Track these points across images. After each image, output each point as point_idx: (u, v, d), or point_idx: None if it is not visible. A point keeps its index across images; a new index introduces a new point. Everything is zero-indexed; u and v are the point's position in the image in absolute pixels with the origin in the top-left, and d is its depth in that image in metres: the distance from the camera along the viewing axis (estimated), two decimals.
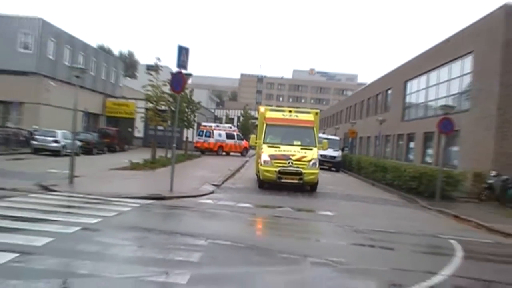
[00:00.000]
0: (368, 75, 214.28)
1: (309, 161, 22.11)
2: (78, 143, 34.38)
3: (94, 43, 69.48)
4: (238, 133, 56.73)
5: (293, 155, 22.09)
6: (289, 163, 21.82)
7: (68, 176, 18.75)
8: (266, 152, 22.50)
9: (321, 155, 38.08)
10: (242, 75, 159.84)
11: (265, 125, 24.25)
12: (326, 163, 39.92)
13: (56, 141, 35.21)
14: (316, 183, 22.92)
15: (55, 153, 34.52)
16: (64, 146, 35.09)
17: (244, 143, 54.48)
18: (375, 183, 31.47)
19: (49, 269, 7.58)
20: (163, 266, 8.22)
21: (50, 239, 9.38)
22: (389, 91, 47.63)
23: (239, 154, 52.93)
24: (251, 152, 51.61)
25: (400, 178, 26.60)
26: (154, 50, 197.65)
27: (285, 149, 22.48)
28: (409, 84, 41.24)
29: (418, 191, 24.09)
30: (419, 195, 23.64)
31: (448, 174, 23.73)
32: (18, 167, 24.91)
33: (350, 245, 12.10)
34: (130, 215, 13.22)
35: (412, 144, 38.56)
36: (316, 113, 25.72)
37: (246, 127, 78.23)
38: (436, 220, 17.94)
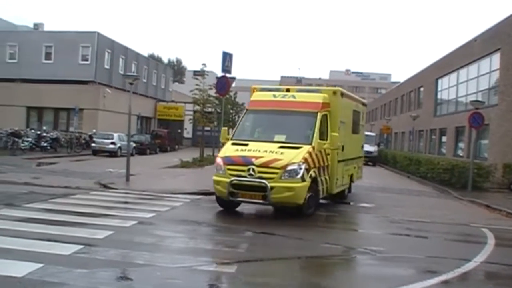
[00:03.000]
0: (400, 74, 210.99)
1: (284, 167, 12.29)
2: (133, 144, 35.00)
3: (145, 52, 70.28)
4: None
5: (258, 158, 12.50)
6: (249, 170, 12.39)
7: (124, 175, 19.14)
8: (222, 153, 13.61)
9: None
10: (282, 77, 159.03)
11: (244, 112, 15.89)
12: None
13: (113, 143, 35.93)
14: (307, 203, 12.87)
15: (112, 154, 35.23)
16: (120, 148, 35.76)
17: None
18: (409, 175, 31.13)
19: (110, 259, 7.79)
20: (213, 256, 8.33)
21: (110, 232, 9.62)
22: (421, 89, 46.86)
23: None
24: None
25: (433, 171, 26.27)
26: (200, 57, 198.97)
27: (253, 148, 12.98)
28: (440, 81, 40.49)
29: (451, 182, 23.75)
30: (452, 186, 23.28)
31: (479, 166, 23.37)
32: (80, 167, 25.54)
33: (387, 235, 12.01)
34: (181, 209, 13.40)
35: (444, 138, 37.86)
36: (334, 92, 15.03)
37: None
38: (468, 209, 17.62)
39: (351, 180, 18.01)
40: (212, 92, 30.31)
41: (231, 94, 39.17)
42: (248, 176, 12.31)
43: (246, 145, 13.21)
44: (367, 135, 38.88)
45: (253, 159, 12.43)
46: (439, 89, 40.96)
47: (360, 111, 18.74)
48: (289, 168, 12.33)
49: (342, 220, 14.19)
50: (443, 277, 7.96)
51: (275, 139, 13.44)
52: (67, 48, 44.62)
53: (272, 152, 12.64)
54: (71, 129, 42.17)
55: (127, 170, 18.98)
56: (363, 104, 19.75)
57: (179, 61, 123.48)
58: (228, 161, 12.83)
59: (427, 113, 41.94)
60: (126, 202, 13.97)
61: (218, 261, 8.03)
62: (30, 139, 33.93)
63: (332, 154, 14.50)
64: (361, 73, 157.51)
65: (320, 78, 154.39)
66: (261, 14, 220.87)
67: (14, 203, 12.45)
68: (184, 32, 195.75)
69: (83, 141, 39.11)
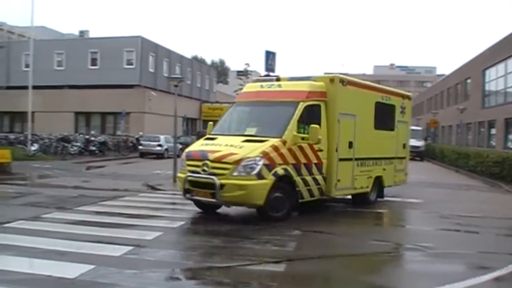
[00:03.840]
0: (446, 66, 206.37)
1: (236, 162, 11.00)
2: (179, 145, 35.42)
3: (188, 54, 70.93)
4: None
5: (214, 152, 11.46)
6: (203, 165, 11.35)
7: (171, 176, 19.33)
8: (188, 148, 12.96)
9: None
10: (325, 73, 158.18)
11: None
12: (410, 153, 38.98)
13: (159, 145, 36.40)
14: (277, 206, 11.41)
15: (159, 156, 35.65)
16: (166, 149, 36.17)
17: None
18: (458, 170, 30.43)
19: (159, 260, 7.87)
20: (261, 255, 8.31)
21: (159, 233, 9.72)
22: (468, 80, 45.75)
23: None
24: None
25: (482, 164, 25.60)
26: (243, 57, 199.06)
27: (217, 142, 11.98)
28: (487, 72, 39.41)
29: (501, 175, 23.03)
30: (502, 179, 22.58)
31: None
32: (128, 170, 25.98)
33: (437, 230, 11.71)
34: (228, 209, 13.45)
35: (493, 131, 36.85)
36: (331, 80, 13.08)
37: None
38: None
39: (381, 184, 15.30)
40: None
41: None
42: (201, 172, 11.33)
43: (215, 139, 12.31)
44: (413, 130, 38.29)
45: (209, 154, 11.44)
46: (486, 80, 39.89)
47: (395, 104, 15.90)
48: (243, 163, 10.96)
49: (391, 216, 14.02)
50: (496, 273, 7.74)
51: (246, 132, 12.28)
52: (112, 54, 45.53)
53: (233, 146, 11.47)
54: (118, 132, 43.00)
55: (174, 171, 19.17)
56: (404, 96, 16.74)
57: (222, 62, 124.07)
58: (188, 156, 12.08)
59: (475, 105, 40.92)
60: (173, 203, 14.09)
61: (267, 260, 7.99)
62: (79, 144, 34.68)
63: (330, 151, 12.79)
64: (406, 67, 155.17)
65: (364, 74, 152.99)
66: (304, 11, 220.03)
67: (65, 206, 12.75)
68: (227, 33, 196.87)
69: (130, 144, 39.75)
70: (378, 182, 15.04)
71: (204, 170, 11.27)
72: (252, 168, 10.95)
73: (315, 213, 13.41)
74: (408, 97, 17.17)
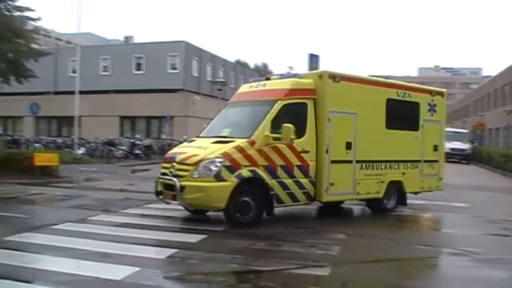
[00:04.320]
0: (492, 67, 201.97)
1: (196, 164, 10.75)
2: None
3: (232, 58, 71.34)
4: None
5: (182, 154, 11.54)
6: (171, 167, 11.38)
7: None
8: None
9: (450, 148, 36.35)
10: (369, 76, 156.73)
11: None
12: (456, 156, 38.19)
13: None
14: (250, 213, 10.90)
15: None
16: None
17: None
18: (506, 173, 29.59)
19: (204, 263, 7.88)
20: (306, 259, 8.22)
21: (204, 236, 9.72)
22: None
23: None
24: None
25: None
26: (286, 60, 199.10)
27: (192, 144, 12.09)
28: None
29: None
30: None
31: None
32: None
33: (483, 235, 11.38)
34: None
35: None
36: (320, 76, 12.38)
37: None
38: None
39: (402, 190, 13.88)
40: None
41: None
42: (169, 173, 11.30)
43: (193, 141, 12.39)
44: (458, 133, 37.47)
45: (177, 156, 11.47)
46: None
47: (419, 102, 14.35)
48: (202, 164, 10.65)
49: (435, 220, 13.75)
50: None
51: (221, 133, 11.99)
52: (156, 58, 46.17)
53: (201, 147, 11.32)
54: (162, 136, 43.49)
55: None
56: (432, 92, 14.96)
57: (265, 66, 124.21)
58: (164, 158, 12.35)
59: None
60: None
61: (311, 264, 7.91)
62: (124, 147, 35.17)
63: (319, 152, 11.94)
64: (451, 68, 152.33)
65: (408, 76, 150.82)
66: (348, 13, 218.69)
67: (111, 209, 12.92)
68: (270, 36, 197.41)
69: None
70: (396, 188, 13.72)
71: (170, 172, 11.25)
72: (211, 170, 10.59)
73: (358, 216, 13.21)
74: (440, 93, 15.27)
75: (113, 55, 48.57)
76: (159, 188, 11.57)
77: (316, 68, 23.72)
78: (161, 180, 11.52)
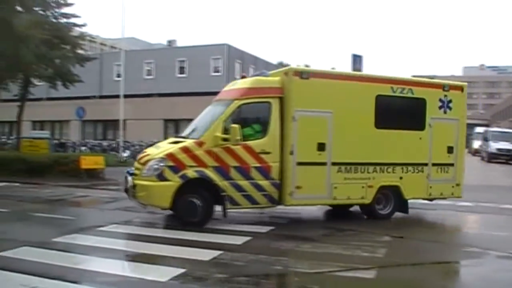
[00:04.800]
0: None
1: (145, 163, 11.07)
2: None
3: (274, 60, 71.28)
4: None
5: (143, 153, 12.20)
6: (135, 166, 11.83)
7: None
8: None
9: (497, 149, 35.37)
10: (412, 76, 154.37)
11: None
12: (502, 157, 37.19)
13: None
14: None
15: None
16: None
17: None
18: None
19: (248, 265, 7.83)
20: (351, 262, 8.09)
21: (248, 238, 9.71)
22: None
23: None
24: None
25: None
26: (329, 61, 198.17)
27: (159, 144, 12.72)
28: None
29: None
30: None
31: None
32: None
33: None
34: (319, 213, 13.24)
35: None
36: (286, 73, 11.84)
37: None
38: None
39: (401, 196, 12.62)
40: None
41: None
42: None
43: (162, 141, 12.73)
44: (505, 133, 36.42)
45: (140, 155, 11.95)
46: None
47: (425, 98, 12.90)
48: (148, 164, 10.87)
49: (481, 222, 13.46)
50: None
51: (184, 133, 12.29)
52: (199, 62, 46.56)
53: (158, 147, 11.69)
54: None
55: None
56: (445, 87, 13.27)
57: (307, 67, 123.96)
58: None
59: None
60: (262, 207, 14.03)
61: (356, 267, 7.77)
62: None
63: (283, 153, 11.45)
64: (497, 67, 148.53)
65: (453, 75, 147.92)
66: (391, 13, 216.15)
67: (156, 211, 12.98)
68: (313, 37, 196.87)
69: None
70: (393, 193, 12.60)
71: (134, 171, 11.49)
72: (154, 170, 10.70)
73: (401, 218, 12.93)
74: (457, 88, 13.52)
75: (156, 59, 49.23)
76: (127, 186, 11.61)
77: (359, 69, 23.38)
78: (130, 178, 11.47)
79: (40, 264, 7.47)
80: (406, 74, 14.25)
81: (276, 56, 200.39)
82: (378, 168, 12.25)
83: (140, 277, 6.93)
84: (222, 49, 46.96)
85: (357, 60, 23.19)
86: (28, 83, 29.83)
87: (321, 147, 11.63)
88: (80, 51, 31.76)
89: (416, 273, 7.96)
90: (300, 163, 11.45)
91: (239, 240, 9.44)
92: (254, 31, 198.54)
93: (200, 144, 10.94)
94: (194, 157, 10.82)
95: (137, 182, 10.95)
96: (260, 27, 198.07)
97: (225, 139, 10.92)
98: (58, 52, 28.77)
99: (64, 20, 29.66)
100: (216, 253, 8.36)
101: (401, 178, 12.51)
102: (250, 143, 11.18)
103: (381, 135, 12.28)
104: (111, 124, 45.86)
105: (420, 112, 12.85)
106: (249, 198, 11.24)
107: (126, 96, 33.63)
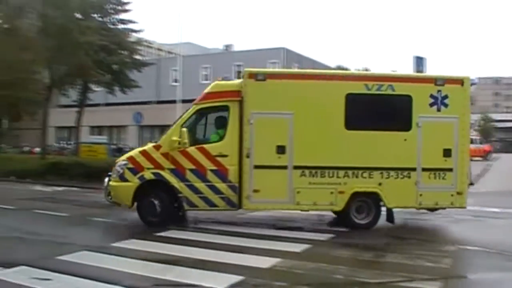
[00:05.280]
0: None
1: (115, 165, 12.17)
2: None
3: (332, 64, 70.81)
4: (479, 137, 54.08)
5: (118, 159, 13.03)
6: None
7: None
8: None
9: None
10: (478, 77, 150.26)
11: None
12: None
13: None
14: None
15: None
16: None
17: (485, 147, 51.51)
18: None
19: (308, 273, 7.70)
20: (414, 272, 7.86)
21: (308, 245, 9.59)
22: None
23: (480, 158, 50.08)
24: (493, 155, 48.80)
25: None
26: (390, 64, 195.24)
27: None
28: None
29: None
30: None
31: None
32: None
33: None
34: (378, 223, 12.99)
35: None
36: (243, 76, 12.04)
37: (487, 131, 75.11)
38: None
39: (379, 203, 11.78)
40: None
41: None
42: None
43: None
44: None
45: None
46: None
47: (411, 95, 11.83)
48: (115, 167, 12.02)
49: None
50: None
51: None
52: (256, 66, 45.99)
53: (131, 151, 13.04)
54: None
55: None
56: (437, 81, 11.99)
57: (366, 70, 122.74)
58: None
59: None
60: (322, 215, 13.83)
61: (420, 277, 7.55)
62: None
63: (242, 156, 11.51)
64: None
65: None
66: (456, 13, 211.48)
67: (215, 217, 13.03)
68: (373, 40, 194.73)
69: None
70: (374, 201, 11.79)
71: None
72: (117, 171, 11.78)
73: (469, 226, 12.50)
74: (455, 81, 12.09)
75: (213, 64, 49.76)
76: None
77: (421, 71, 22.87)
78: None
79: (98, 269, 7.62)
80: (470, 75, 12.62)
81: (335, 60, 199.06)
82: (350, 172, 11.60)
83: (196, 283, 6.90)
84: (279, 52, 47.08)
85: (419, 62, 22.73)
86: (87, 89, 30.75)
87: (280, 150, 11.51)
88: (137, 57, 32.46)
89: (480, 283, 7.70)
90: (257, 166, 11.48)
91: (298, 248, 9.35)
92: (313, 34, 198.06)
93: (157, 147, 11.72)
94: (152, 160, 11.62)
95: (110, 183, 12.37)
96: (319, 30, 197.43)
97: (181, 143, 11.39)
98: (115, 57, 29.54)
99: (122, 26, 30.42)
100: (274, 260, 8.30)
101: (380, 184, 11.66)
102: (206, 146, 11.68)
103: (353, 136, 11.64)
104: (168, 129, 46.44)
105: (404, 111, 11.86)
106: (206, 200, 11.57)
107: (183, 101, 34.06)
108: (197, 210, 12.14)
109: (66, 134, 53.09)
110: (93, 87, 32.09)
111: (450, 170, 11.76)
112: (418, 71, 22.65)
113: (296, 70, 12.35)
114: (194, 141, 11.66)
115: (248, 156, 11.46)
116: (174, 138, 11.47)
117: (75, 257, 8.30)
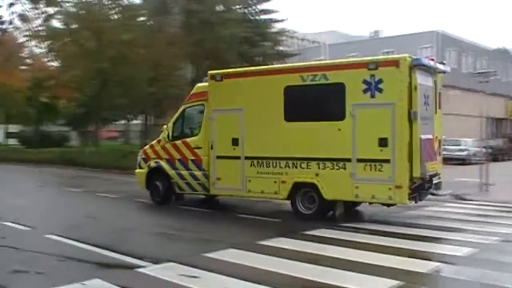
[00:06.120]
0: None
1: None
2: (483, 150, 33.48)
3: (494, 46, 66.82)
4: None
5: None
6: None
7: (478, 185, 18.27)
8: None
9: None
10: None
11: None
12: None
13: (460, 150, 34.97)
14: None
15: (462, 161, 34.14)
16: (471, 154, 34.53)
17: None
18: None
19: (471, 280, 7.27)
20: None
21: (471, 249, 9.05)
22: None
23: None
24: None
25: None
26: None
27: None
28: None
29: None
30: None
31: None
32: None
33: None
34: None
35: None
36: (211, 76, 13.83)
37: None
38: None
39: (320, 192, 11.95)
40: None
41: None
42: None
43: None
44: None
45: None
46: None
47: (344, 82, 11.72)
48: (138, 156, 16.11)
49: None
50: None
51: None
52: (407, 52, 44.86)
53: None
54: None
55: (482, 179, 18.06)
56: (370, 64, 11.64)
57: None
58: None
59: None
60: (485, 215, 13.05)
61: None
62: None
63: (208, 148, 13.81)
64: None
65: None
66: None
67: (373, 218, 12.78)
68: None
69: None
70: (316, 192, 12.06)
71: None
72: (138, 160, 15.87)
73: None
74: (390, 63, 11.84)
75: (361, 52, 48.79)
76: None
77: None
78: None
79: (245, 267, 7.76)
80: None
81: (496, 41, 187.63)
82: (290, 163, 12.41)
83: (346, 286, 6.78)
84: (432, 36, 45.22)
85: None
86: None
87: (235, 142, 13.26)
88: (280, 48, 32.79)
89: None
90: (219, 157, 13.60)
91: (461, 251, 8.87)
92: (475, 13, 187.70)
93: (159, 141, 15.22)
94: (155, 152, 15.24)
95: (135, 170, 16.02)
96: (483, 9, 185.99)
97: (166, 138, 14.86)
98: (259, 49, 30.04)
99: (264, 16, 30.87)
100: (433, 264, 8.00)
101: (317, 174, 12.06)
102: (188, 140, 14.49)
103: (291, 128, 12.41)
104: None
105: (337, 99, 11.86)
106: (189, 185, 14.43)
107: None
108: (186, 194, 15.19)
109: None
110: None
111: (387, 161, 11.28)
112: None
113: (247, 68, 14.05)
114: (181, 136, 14.69)
115: (211, 148, 13.71)
116: (164, 134, 14.80)
117: (221, 255, 8.52)
